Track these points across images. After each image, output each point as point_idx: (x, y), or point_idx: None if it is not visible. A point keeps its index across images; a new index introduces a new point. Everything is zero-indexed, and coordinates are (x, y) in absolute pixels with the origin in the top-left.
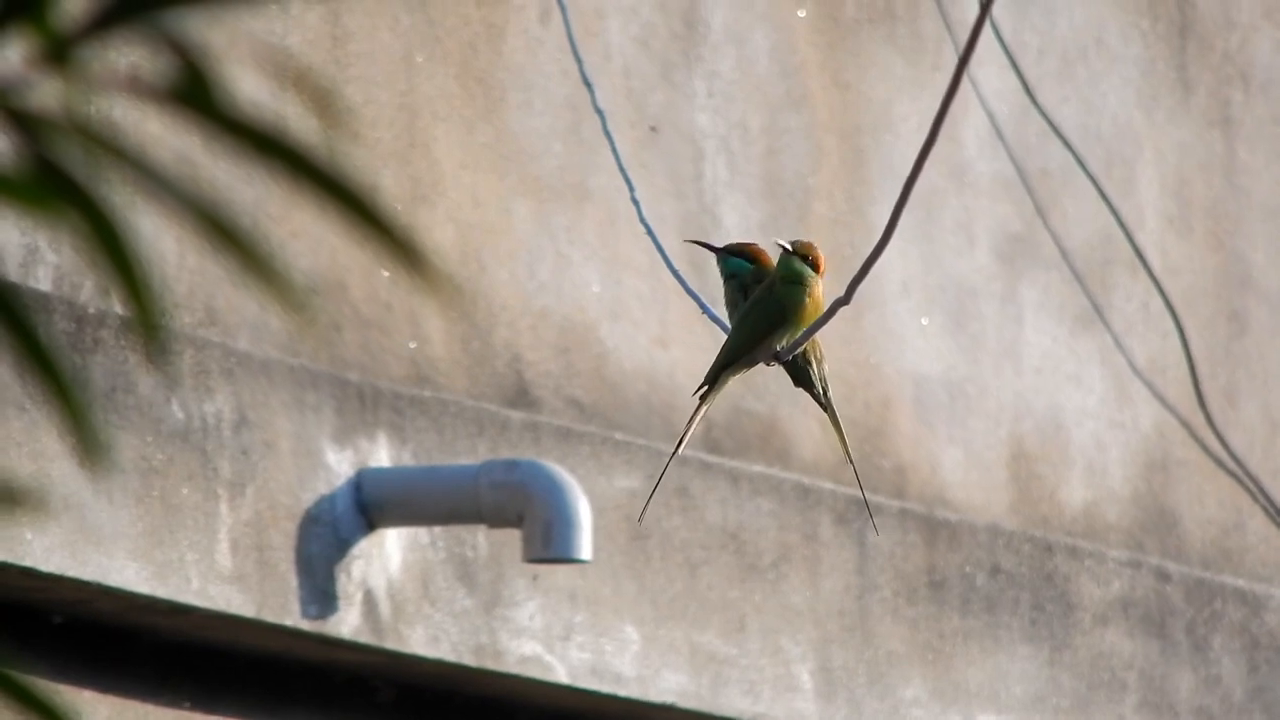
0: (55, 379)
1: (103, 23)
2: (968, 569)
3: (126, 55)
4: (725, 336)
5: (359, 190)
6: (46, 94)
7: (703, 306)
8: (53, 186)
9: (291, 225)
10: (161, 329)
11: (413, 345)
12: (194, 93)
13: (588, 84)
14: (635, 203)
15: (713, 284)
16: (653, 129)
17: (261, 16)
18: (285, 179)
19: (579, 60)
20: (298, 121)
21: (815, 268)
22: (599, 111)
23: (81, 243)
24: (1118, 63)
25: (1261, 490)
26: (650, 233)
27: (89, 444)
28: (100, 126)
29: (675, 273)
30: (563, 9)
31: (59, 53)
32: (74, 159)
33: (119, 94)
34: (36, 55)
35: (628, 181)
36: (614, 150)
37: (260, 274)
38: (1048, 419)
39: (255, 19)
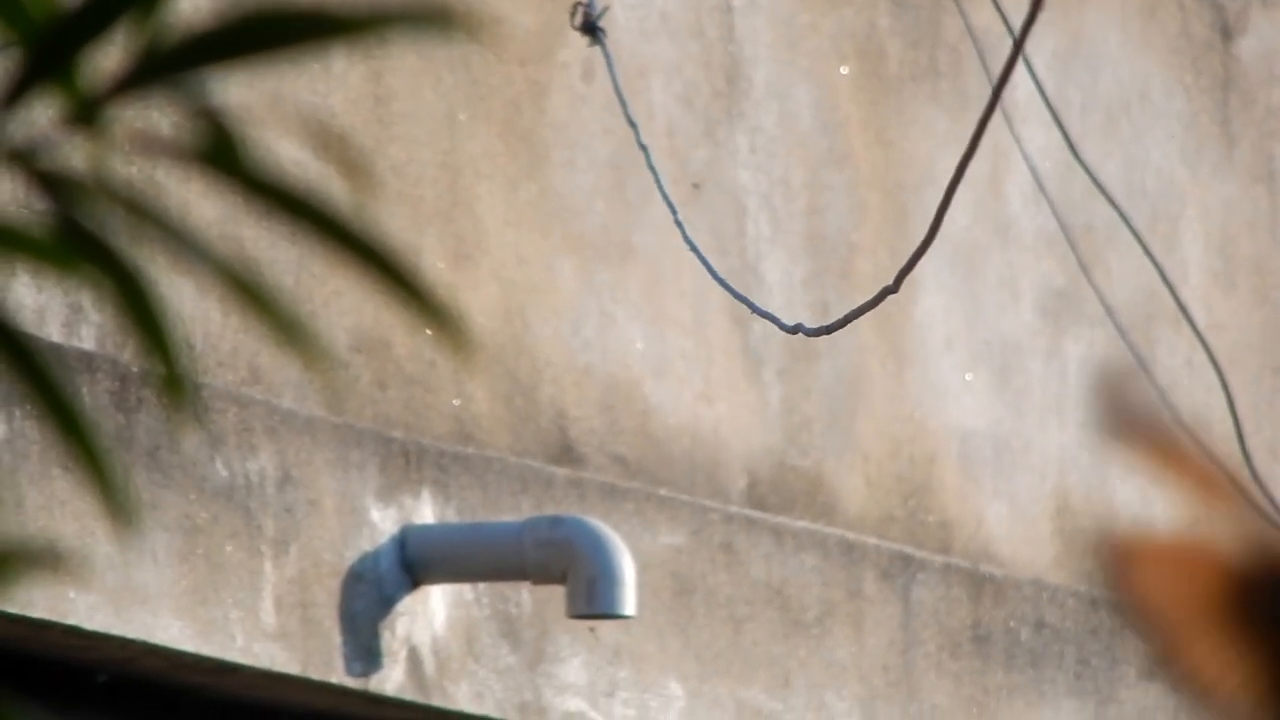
0: (80, 438)
1: (132, 83)
2: (1012, 623)
3: (156, 116)
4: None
5: (391, 252)
6: (74, 155)
7: (752, 306)
8: (77, 247)
9: (335, 284)
10: (186, 388)
11: (456, 403)
12: (220, 154)
13: (642, 146)
14: (679, 224)
15: (756, 335)
16: (695, 186)
17: (304, 76)
18: (319, 240)
19: (632, 124)
20: (337, 183)
21: None
22: (653, 169)
23: (108, 303)
24: (1161, 118)
25: None
26: (694, 248)
27: (116, 504)
28: (126, 187)
29: (722, 282)
30: (609, 62)
31: (87, 114)
32: (99, 220)
33: (147, 155)
34: (64, 116)
35: (670, 206)
36: (658, 182)
37: (290, 337)
38: (1093, 473)
39: (297, 79)
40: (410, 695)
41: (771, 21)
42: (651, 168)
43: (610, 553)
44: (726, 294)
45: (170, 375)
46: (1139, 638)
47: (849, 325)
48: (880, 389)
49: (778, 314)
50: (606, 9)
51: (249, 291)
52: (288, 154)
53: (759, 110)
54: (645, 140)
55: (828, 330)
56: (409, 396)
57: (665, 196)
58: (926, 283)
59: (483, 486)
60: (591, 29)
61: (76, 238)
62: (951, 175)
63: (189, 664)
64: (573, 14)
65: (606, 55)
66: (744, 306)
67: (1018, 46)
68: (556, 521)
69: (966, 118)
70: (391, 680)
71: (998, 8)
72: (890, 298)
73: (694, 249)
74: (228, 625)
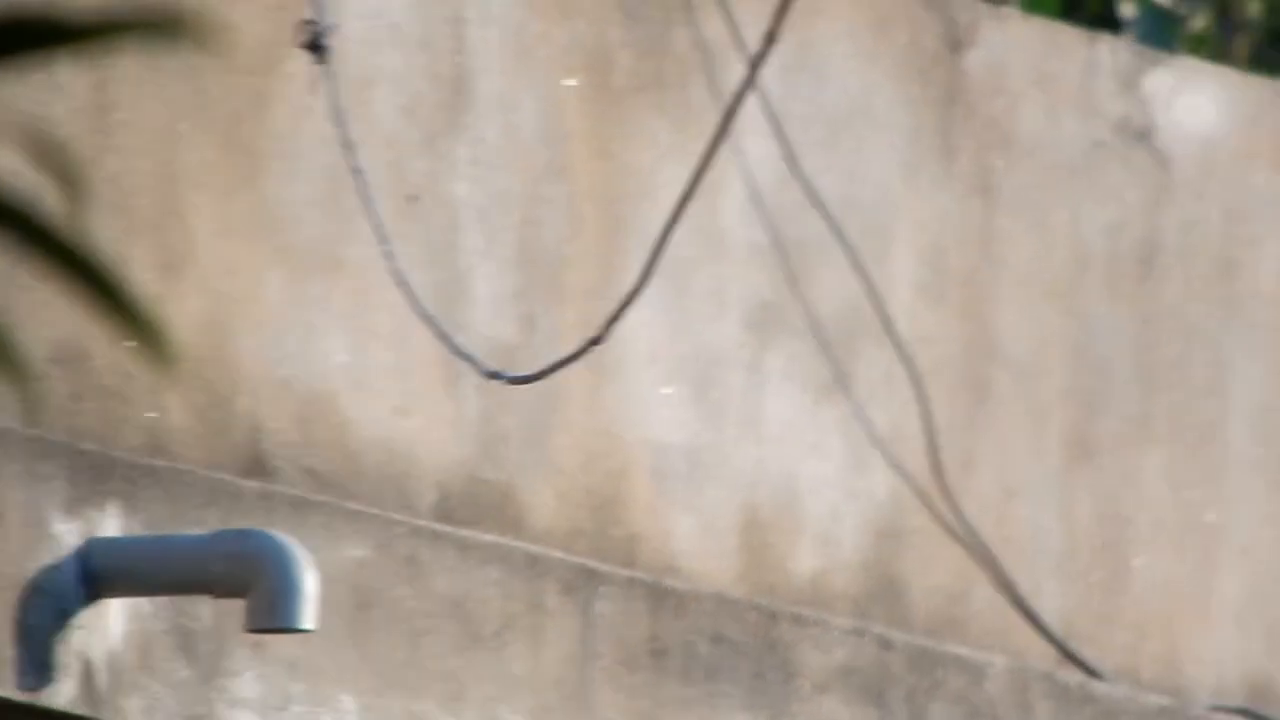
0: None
1: None
2: (690, 637)
3: None
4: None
5: (97, 262)
6: None
7: (452, 347)
8: None
9: (38, 296)
10: None
11: (152, 415)
12: None
13: (357, 170)
14: (388, 255)
15: (458, 342)
16: (412, 197)
17: (27, 86)
18: (26, 250)
19: (349, 146)
20: (50, 193)
21: None
22: (358, 170)
23: None
24: (883, 130)
25: (991, 557)
26: (404, 282)
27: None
28: None
29: (426, 316)
30: (333, 86)
31: None
32: None
33: None
34: None
35: (382, 237)
36: (371, 207)
37: None
38: (783, 487)
39: (20, 86)
40: (81, 709)
41: (502, 32)
42: (366, 192)
43: (292, 566)
44: (434, 306)
45: None
46: None
47: (552, 337)
48: (579, 403)
49: (484, 328)
50: (335, 27)
51: None
52: (3, 163)
53: (483, 122)
54: (365, 151)
55: (525, 380)
56: (104, 409)
57: (377, 222)
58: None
59: (171, 499)
60: (316, 47)
61: None
62: (672, 193)
63: None
64: (298, 32)
65: (329, 73)
66: (448, 318)
67: (754, 69)
68: (243, 535)
69: (690, 129)
70: (63, 694)
71: (731, 20)
72: (598, 309)
73: (402, 281)
74: None
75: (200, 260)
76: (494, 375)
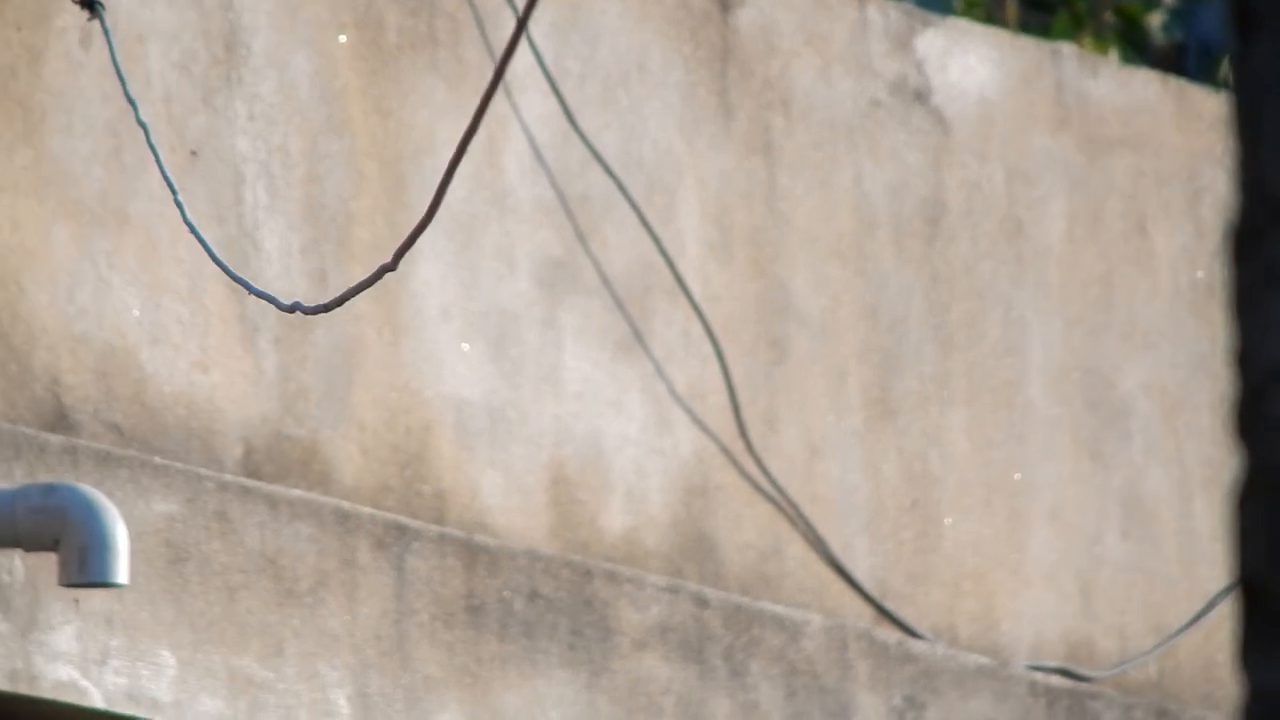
0: None
1: None
2: (506, 594)
3: None
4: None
5: None
6: None
7: (248, 287)
8: None
9: None
10: None
11: None
12: None
13: (141, 124)
14: (179, 205)
15: (253, 304)
16: (193, 153)
17: None
18: None
19: (131, 101)
20: None
21: None
22: (142, 124)
23: None
24: (659, 88)
25: (800, 515)
26: (192, 228)
27: None
28: None
29: (219, 262)
30: (106, 33)
31: None
32: None
33: None
34: None
35: (171, 187)
36: (158, 161)
37: None
38: (588, 445)
39: None
40: None
41: None
42: (151, 145)
43: (103, 520)
44: (224, 259)
45: None
46: None
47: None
48: (377, 358)
49: (275, 283)
50: None
51: None
52: None
53: (258, 78)
54: (143, 107)
55: (325, 308)
56: None
57: (165, 175)
58: (424, 253)
59: None
60: (89, 3)
61: None
62: (453, 150)
63: None
64: None
65: (105, 29)
66: (242, 270)
67: (521, 24)
68: (49, 489)
69: (465, 86)
70: None
71: None
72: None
73: (192, 229)
74: None
75: None
76: (293, 308)
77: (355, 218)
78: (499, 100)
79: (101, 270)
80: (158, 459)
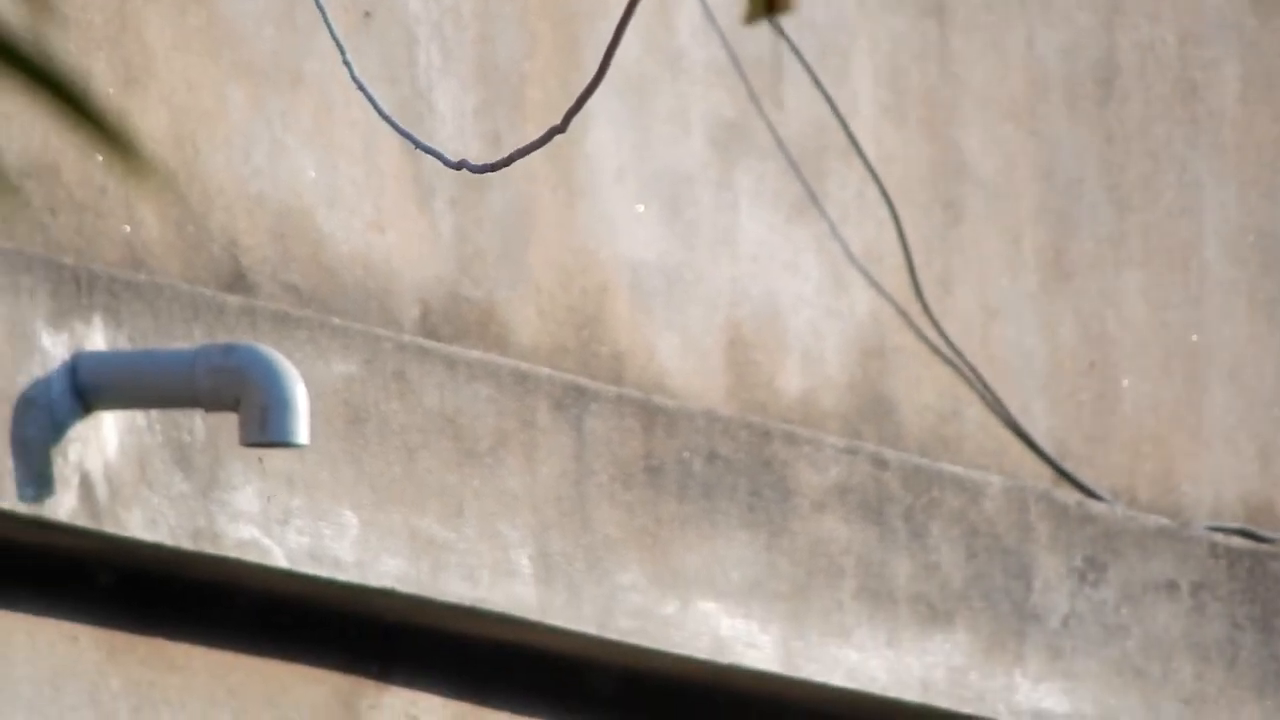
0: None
1: None
2: (685, 455)
3: None
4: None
5: (65, 76)
6: None
7: (415, 142)
8: None
9: (3, 108)
10: None
11: (128, 229)
12: None
13: None
14: (348, 64)
15: (428, 165)
16: (367, 14)
17: None
18: None
19: None
20: (6, 7)
21: None
22: (320, 7)
23: None
24: None
25: (978, 377)
26: (361, 86)
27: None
28: None
29: (388, 118)
30: None
31: None
32: None
33: None
34: None
35: (345, 58)
36: (327, 23)
37: None
38: (764, 306)
39: None
40: (82, 521)
41: None
42: (320, 7)
43: (283, 381)
44: (399, 122)
45: None
46: None
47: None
48: (552, 220)
49: (448, 144)
50: None
51: None
52: None
53: None
54: None
55: (493, 167)
56: (79, 223)
57: (334, 35)
58: (597, 115)
59: (154, 313)
60: None
61: None
62: (624, 9)
63: None
64: None
65: None
66: (416, 132)
67: None
68: (229, 349)
69: None
70: (64, 506)
71: None
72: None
73: (361, 87)
74: None
75: (160, 75)
76: (460, 165)
77: (528, 78)
78: None
79: (276, 131)
80: (335, 320)
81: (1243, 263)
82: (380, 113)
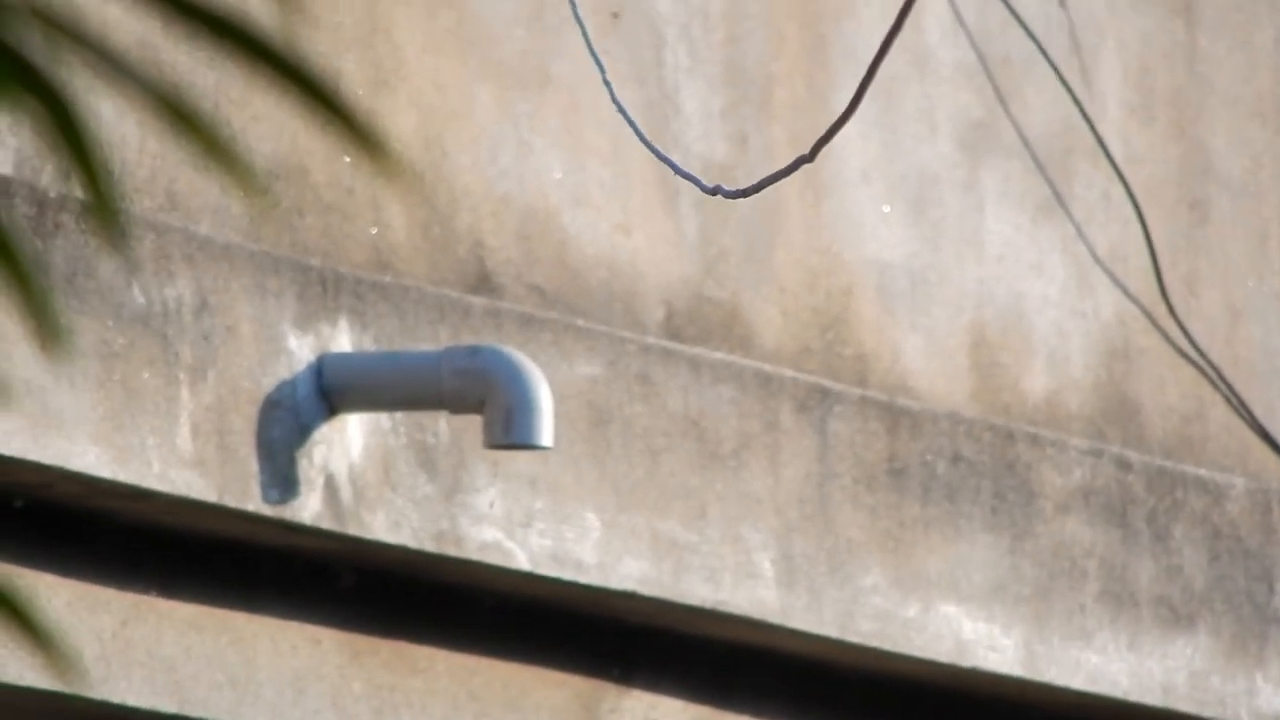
0: (14, 262)
1: None
2: (928, 457)
3: None
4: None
5: (316, 76)
6: None
7: (674, 167)
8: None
9: (253, 109)
10: (118, 215)
11: (374, 231)
12: None
13: None
14: (607, 84)
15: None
16: (615, 15)
17: None
18: (243, 64)
19: None
20: (259, 6)
21: None
22: (572, 2)
23: (39, 127)
24: None
25: (1223, 379)
26: (622, 110)
27: (49, 329)
28: (59, 9)
29: (646, 142)
30: None
31: None
32: (31, 42)
33: None
34: None
35: (597, 61)
36: (583, 33)
37: (220, 159)
38: (1009, 307)
39: None
40: (326, 524)
41: None
42: (577, 18)
43: (528, 382)
44: (646, 124)
45: (99, 200)
46: None
47: (764, 155)
48: (797, 221)
49: (695, 146)
50: None
51: (179, 113)
52: None
53: None
54: None
55: (744, 193)
56: (326, 224)
57: (591, 49)
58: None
59: (400, 315)
60: None
61: (7, 61)
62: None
63: (105, 490)
64: None
65: None
66: (663, 136)
67: None
68: (474, 351)
69: None
70: (308, 508)
71: None
72: (808, 127)
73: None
74: (144, 451)
75: (409, 76)
76: (715, 191)
77: (775, 79)
78: None
79: (523, 132)
80: (580, 321)
81: None
82: (638, 134)
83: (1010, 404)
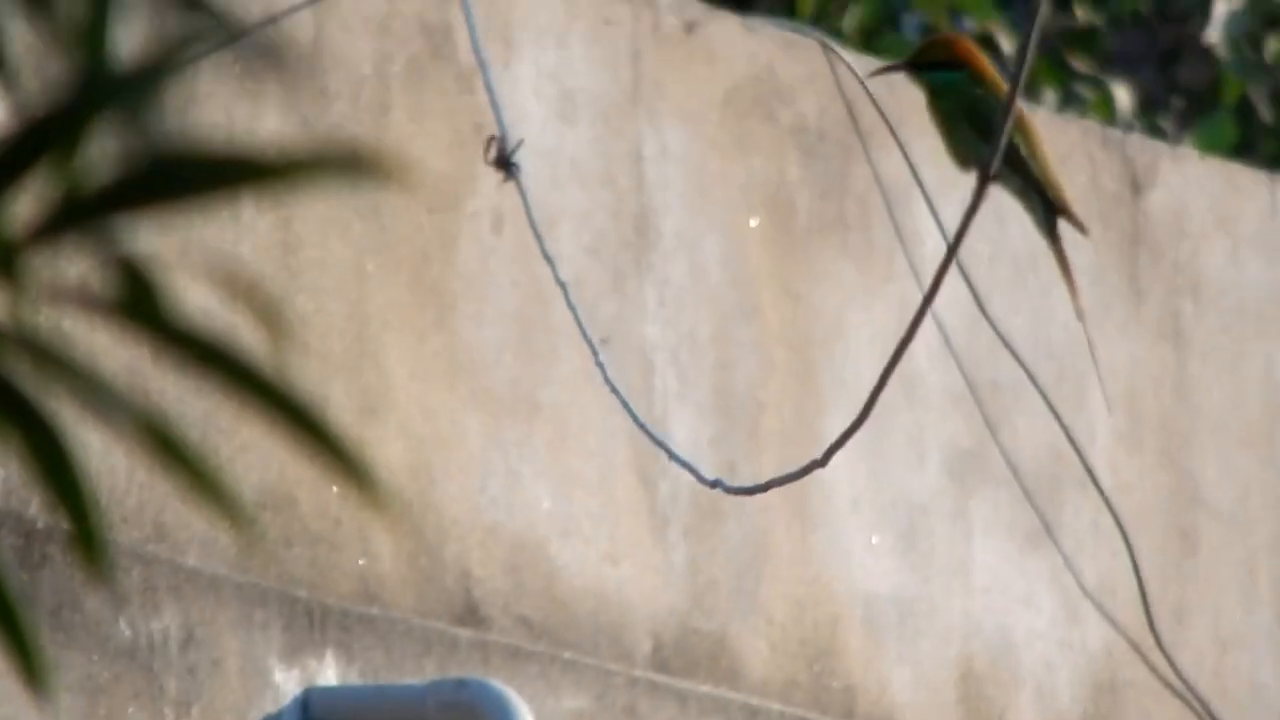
0: (0, 595)
1: (50, 230)
2: None
3: (74, 264)
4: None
5: (305, 404)
6: None
7: (671, 454)
8: None
9: (241, 439)
10: (105, 549)
11: (361, 562)
12: (139, 303)
13: (560, 283)
14: (600, 365)
15: (663, 495)
16: (603, 340)
17: (213, 224)
18: (232, 392)
19: (548, 259)
20: (247, 333)
21: (958, 64)
22: (561, 284)
23: (26, 458)
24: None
25: (1210, 713)
26: (615, 390)
27: (33, 666)
28: (45, 338)
29: (644, 426)
30: (525, 201)
31: (5, 262)
32: (18, 372)
33: (66, 304)
34: None
35: (591, 346)
36: (576, 318)
37: (207, 490)
38: (997, 639)
39: (206, 227)
40: None
41: (682, 170)
42: (570, 305)
43: (513, 717)
44: (633, 452)
45: (85, 533)
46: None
47: (753, 482)
48: (786, 551)
49: (683, 473)
50: (521, 143)
51: (166, 443)
52: (195, 303)
53: (668, 261)
54: (553, 290)
55: (749, 491)
56: (314, 555)
57: (585, 333)
58: (832, 439)
59: (387, 648)
60: (505, 164)
61: None
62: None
63: None
64: (486, 149)
65: (521, 191)
66: (651, 465)
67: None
68: (460, 684)
69: (875, 270)
70: None
71: (908, 160)
72: (797, 455)
73: (613, 388)
74: None
75: (398, 403)
76: (715, 483)
77: (764, 406)
78: (909, 286)
79: (512, 460)
80: (567, 654)
81: None
82: (637, 421)
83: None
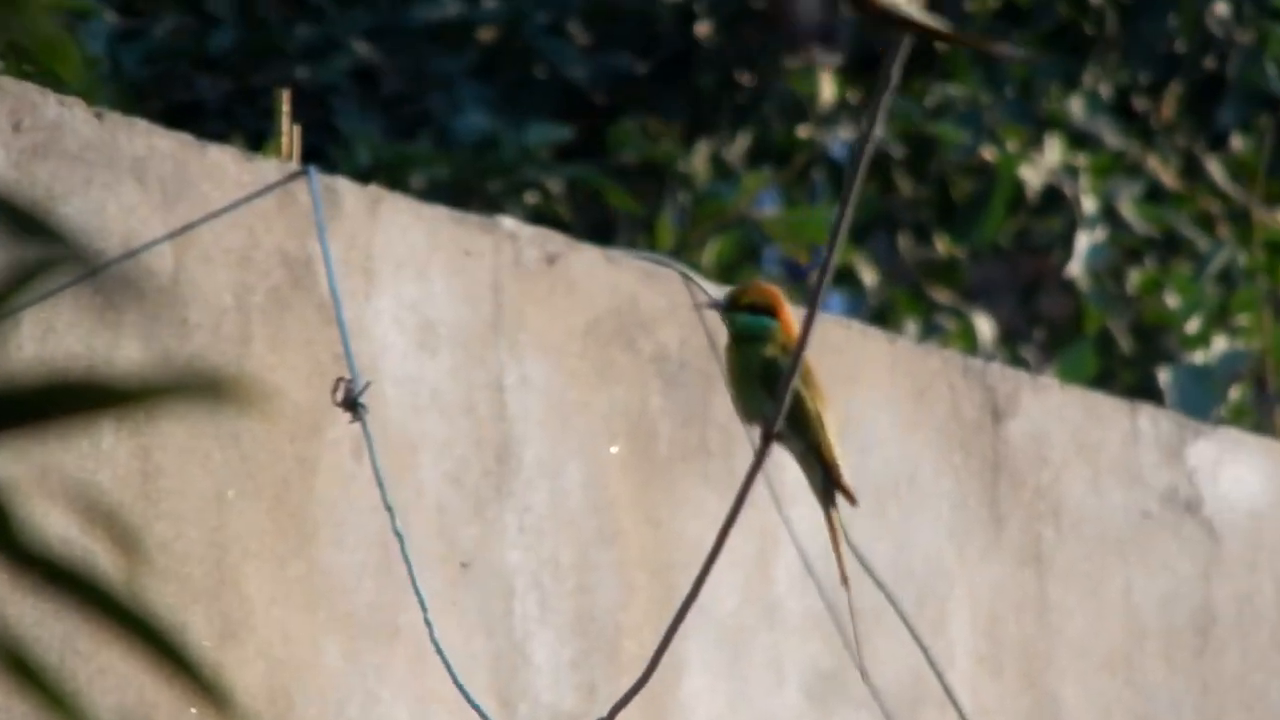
0: None
1: None
2: None
3: None
4: None
5: (162, 628)
6: None
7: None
8: None
9: (99, 661)
10: None
11: None
12: None
13: (397, 533)
14: (428, 624)
15: (522, 710)
16: (464, 565)
17: (72, 452)
18: (89, 615)
19: (389, 509)
20: (105, 558)
21: (771, 313)
22: (398, 533)
23: None
24: (930, 499)
25: None
26: (440, 652)
27: None
28: None
29: (473, 704)
30: (368, 437)
31: None
32: None
33: None
34: None
35: (422, 605)
36: (411, 575)
37: (63, 713)
38: None
39: (65, 454)
40: None
41: (543, 399)
42: (406, 559)
43: None
44: (492, 674)
45: None
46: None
47: (618, 706)
48: None
49: (544, 695)
50: (368, 385)
51: (23, 667)
52: (53, 529)
53: (529, 489)
54: (414, 516)
55: None
56: None
57: (417, 589)
58: (693, 664)
59: None
60: (353, 405)
61: None
62: (723, 561)
63: None
64: (334, 390)
65: (367, 433)
66: (511, 683)
67: (766, 439)
68: None
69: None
70: None
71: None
72: (657, 677)
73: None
74: None
75: (258, 628)
76: None
77: (624, 629)
78: (769, 512)
79: (370, 683)
80: None
81: None
82: (468, 699)
83: None
